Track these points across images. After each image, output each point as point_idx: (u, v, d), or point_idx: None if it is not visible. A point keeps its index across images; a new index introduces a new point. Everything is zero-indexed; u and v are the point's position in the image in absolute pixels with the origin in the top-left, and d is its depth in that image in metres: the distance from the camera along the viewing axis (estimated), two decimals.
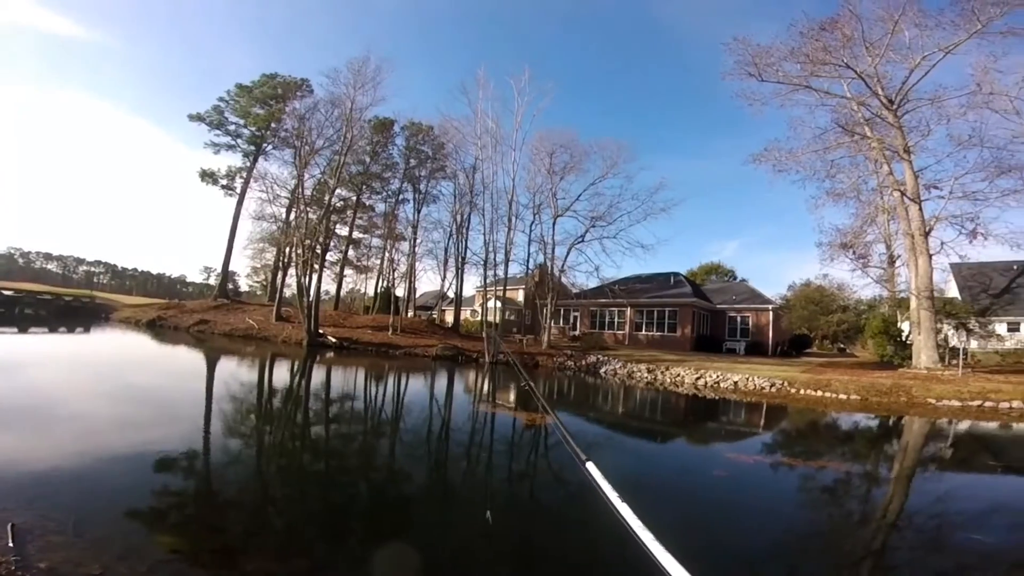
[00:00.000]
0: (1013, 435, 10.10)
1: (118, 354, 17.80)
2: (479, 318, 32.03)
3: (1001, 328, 25.44)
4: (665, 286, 34.43)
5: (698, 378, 18.29)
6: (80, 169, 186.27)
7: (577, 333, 34.69)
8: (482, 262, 27.72)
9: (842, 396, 14.71)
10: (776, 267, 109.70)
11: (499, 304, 29.31)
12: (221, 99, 35.65)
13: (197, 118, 35.37)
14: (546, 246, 30.39)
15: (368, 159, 34.67)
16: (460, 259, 33.20)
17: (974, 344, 22.59)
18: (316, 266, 26.81)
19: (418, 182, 36.62)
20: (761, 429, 11.01)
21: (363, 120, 28.71)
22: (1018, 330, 25.61)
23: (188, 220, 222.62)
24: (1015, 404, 12.41)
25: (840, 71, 20.31)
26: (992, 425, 10.77)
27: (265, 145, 35.61)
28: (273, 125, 34.22)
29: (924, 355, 18.36)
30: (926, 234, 19.05)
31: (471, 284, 44.22)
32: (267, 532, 3.94)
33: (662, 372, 19.58)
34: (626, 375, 20.11)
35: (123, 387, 9.94)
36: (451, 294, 38.15)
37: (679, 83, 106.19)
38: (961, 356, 17.52)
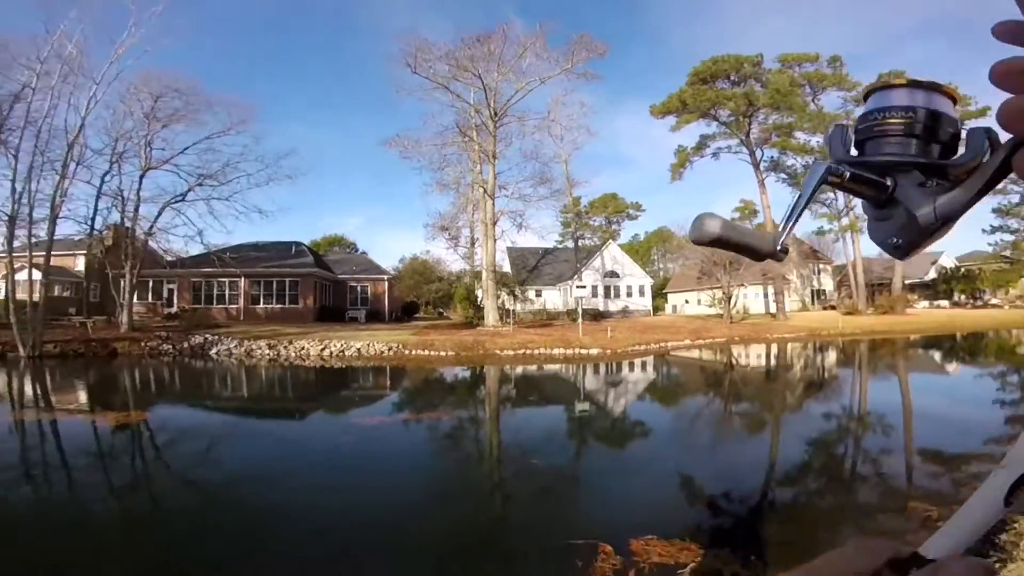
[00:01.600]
0: (544, 374, 14.60)
1: None
2: (1, 295, 21.68)
3: (532, 294, 36.93)
4: (286, 255, 32.55)
5: (323, 349, 18.52)
6: None
7: (175, 310, 28.48)
8: (5, 218, 18.72)
9: (442, 353, 18.06)
10: (391, 242, 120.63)
11: (39, 275, 20.59)
12: None
13: None
14: (126, 203, 23.30)
15: None
16: None
17: (518, 306, 31.86)
18: None
19: None
20: (386, 390, 12.31)
21: None
22: (540, 295, 37.85)
23: None
24: (541, 350, 18.29)
25: (473, 80, 24.19)
26: (533, 367, 15.43)
27: None
28: None
29: (491, 316, 24.66)
30: (494, 223, 25.39)
31: None
32: None
33: (285, 347, 18.76)
34: (244, 354, 18.23)
35: None
36: None
37: (322, 54, 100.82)
38: (512, 316, 24.46)
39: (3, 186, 22.53)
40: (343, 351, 18.32)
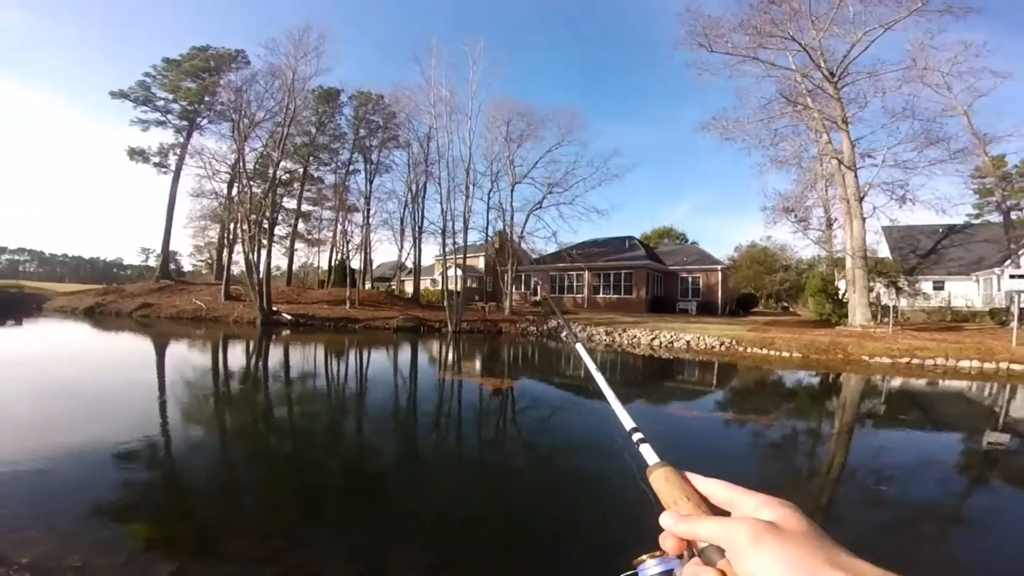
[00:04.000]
0: (939, 392, 10.73)
1: (57, 347, 16.71)
2: (439, 287, 31.95)
3: (927, 287, 27.59)
4: (620, 249, 35.26)
5: (653, 339, 19.13)
6: None
7: (538, 298, 35.23)
8: (440, 231, 27.53)
9: (785, 354, 15.72)
10: (723, 230, 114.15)
11: (460, 272, 29.27)
12: (147, 74, 33.27)
13: (120, 95, 32.80)
14: (505, 213, 30.59)
15: (314, 130, 33.43)
16: (417, 228, 32.85)
17: (903, 302, 24.48)
18: (264, 241, 25.78)
19: (369, 152, 35.86)
20: (711, 387, 11.71)
21: (306, 90, 27.87)
22: (942, 288, 27.81)
23: (119, 201, 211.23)
24: (939, 361, 13.40)
25: (786, 43, 20.93)
26: (920, 382, 11.48)
27: (199, 119, 33.72)
28: (207, 99, 32.29)
29: (859, 313, 19.85)
30: (860, 199, 20.34)
31: (429, 253, 43.84)
32: (241, 515, 3.97)
33: (619, 334, 20.33)
34: (586, 338, 20.74)
35: (70, 382, 9.42)
36: (410, 264, 37.71)
37: (625, 53, 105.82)
38: (892, 314, 18.96)
39: (433, 209, 32.65)
40: (672, 342, 18.47)
